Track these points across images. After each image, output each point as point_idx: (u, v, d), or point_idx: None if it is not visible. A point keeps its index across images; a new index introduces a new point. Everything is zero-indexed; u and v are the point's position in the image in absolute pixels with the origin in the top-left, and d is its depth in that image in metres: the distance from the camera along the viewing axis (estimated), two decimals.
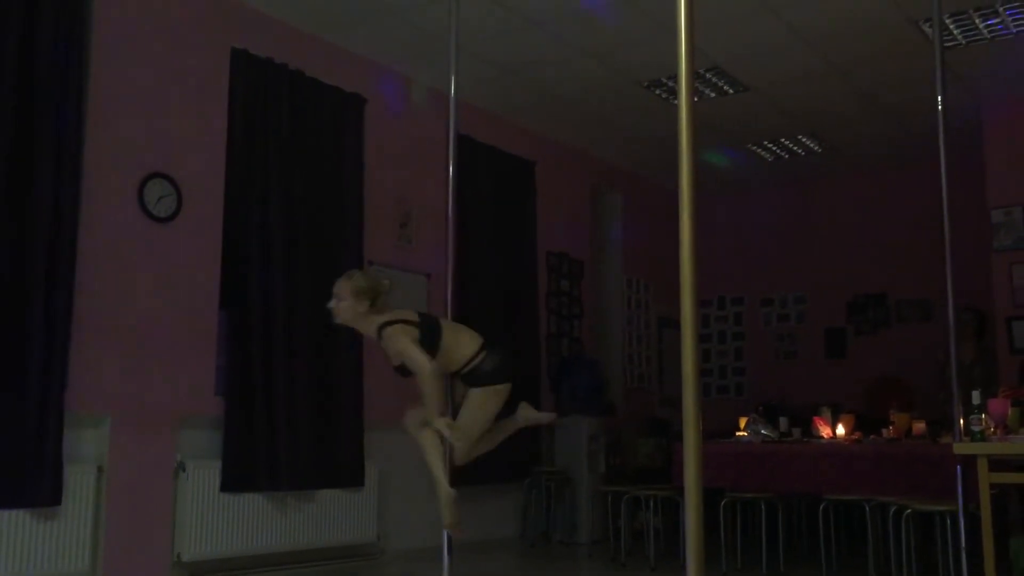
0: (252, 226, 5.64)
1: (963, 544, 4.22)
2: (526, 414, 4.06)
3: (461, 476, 3.87)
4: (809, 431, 6.08)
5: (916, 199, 8.11)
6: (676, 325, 1.76)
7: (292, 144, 5.89)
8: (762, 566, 5.57)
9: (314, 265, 5.92)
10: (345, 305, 3.65)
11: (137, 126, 5.15)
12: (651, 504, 6.11)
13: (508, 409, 3.93)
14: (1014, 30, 6.19)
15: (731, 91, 7.23)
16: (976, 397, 4.31)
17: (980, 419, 4.26)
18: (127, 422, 4.93)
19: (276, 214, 5.74)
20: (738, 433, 6.17)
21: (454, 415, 3.75)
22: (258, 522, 5.46)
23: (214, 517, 5.25)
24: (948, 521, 4.49)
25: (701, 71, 6.80)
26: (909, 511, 4.80)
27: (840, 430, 5.91)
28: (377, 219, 6.52)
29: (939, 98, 4.49)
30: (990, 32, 6.22)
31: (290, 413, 5.64)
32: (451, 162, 4.31)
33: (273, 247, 5.70)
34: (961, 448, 4.18)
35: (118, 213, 5.03)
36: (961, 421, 4.26)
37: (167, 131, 5.31)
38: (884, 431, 5.77)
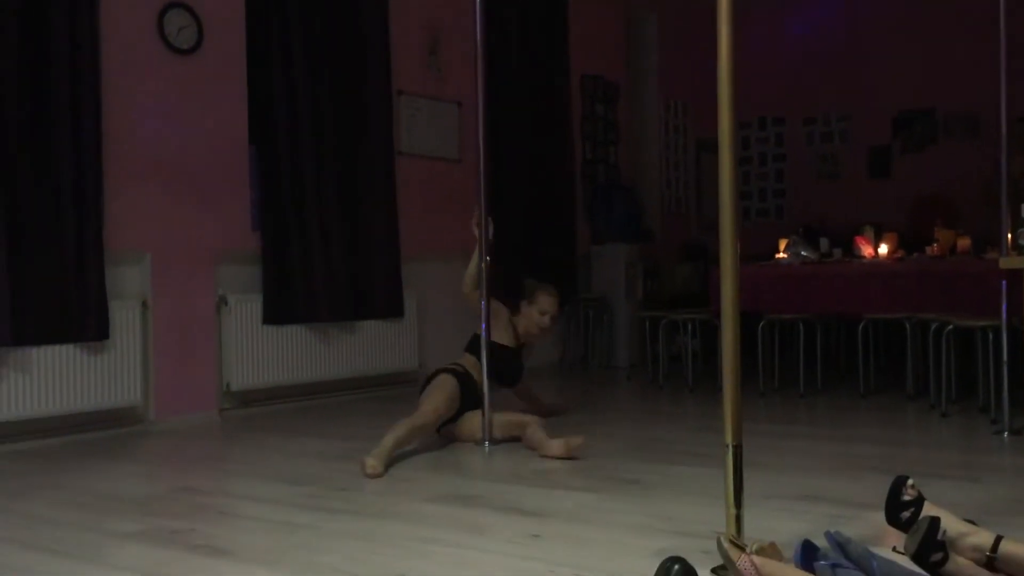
0: (275, 57, 5.49)
1: (1005, 357, 4.22)
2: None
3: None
4: (851, 251, 5.99)
5: (968, 1, 7.65)
6: (714, 148, 1.68)
7: None
8: (799, 385, 5.62)
9: (341, 95, 5.79)
10: None
11: None
12: (689, 328, 6.14)
13: None
14: None
15: None
16: None
17: None
18: (167, 258, 4.98)
19: (298, 44, 5.56)
20: (778, 255, 6.10)
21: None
22: (303, 352, 5.59)
23: (259, 348, 5.37)
24: (990, 336, 4.46)
25: None
26: (951, 327, 4.77)
27: (883, 249, 5.81)
28: (404, 46, 6.31)
29: None
30: None
31: (324, 247, 5.65)
32: None
33: (297, 79, 5.56)
34: (1007, 263, 4.09)
35: (138, 45, 4.91)
36: (1008, 235, 4.16)
37: None
38: (928, 249, 5.66)
